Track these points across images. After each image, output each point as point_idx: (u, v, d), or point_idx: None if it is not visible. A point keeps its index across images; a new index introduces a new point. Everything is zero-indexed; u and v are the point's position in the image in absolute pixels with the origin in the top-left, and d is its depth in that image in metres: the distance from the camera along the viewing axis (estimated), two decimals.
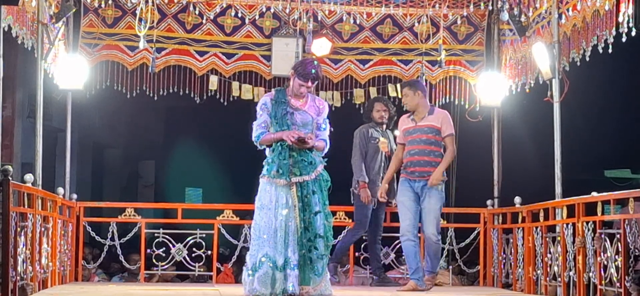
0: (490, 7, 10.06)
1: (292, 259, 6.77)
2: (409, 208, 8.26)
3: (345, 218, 9.65)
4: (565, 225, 7.79)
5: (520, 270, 8.94)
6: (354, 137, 9.31)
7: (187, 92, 10.02)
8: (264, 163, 6.98)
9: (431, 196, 8.20)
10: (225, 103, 10.07)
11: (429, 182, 8.17)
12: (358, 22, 10.10)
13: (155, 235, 9.78)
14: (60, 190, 9.04)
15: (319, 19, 10.05)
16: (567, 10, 8.37)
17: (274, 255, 6.76)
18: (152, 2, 9.72)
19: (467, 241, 9.98)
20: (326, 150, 7.05)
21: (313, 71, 6.95)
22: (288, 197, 6.81)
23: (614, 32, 7.41)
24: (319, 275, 6.86)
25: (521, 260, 8.90)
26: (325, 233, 6.87)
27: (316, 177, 6.90)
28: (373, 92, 10.11)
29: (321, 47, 9.97)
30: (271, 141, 6.94)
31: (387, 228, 9.67)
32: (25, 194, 7.23)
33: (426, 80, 10.00)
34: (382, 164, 9.23)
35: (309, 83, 6.98)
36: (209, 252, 9.67)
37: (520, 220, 8.98)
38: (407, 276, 8.76)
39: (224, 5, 9.97)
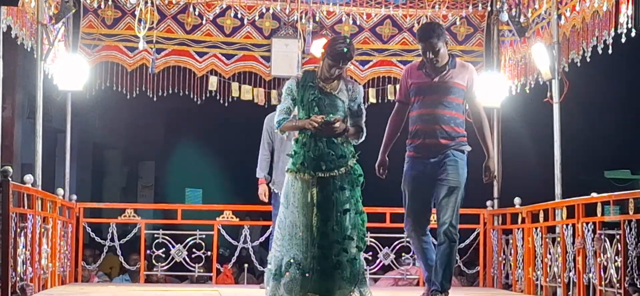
0: (489, 8, 10.07)
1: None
2: (422, 201, 6.40)
3: None
4: (565, 226, 7.80)
5: (520, 270, 8.94)
6: None
7: (186, 92, 10.02)
8: (288, 155, 6.34)
9: (451, 172, 6.28)
10: (225, 104, 10.06)
11: (487, 178, 6.44)
12: (357, 22, 10.10)
13: (155, 235, 9.79)
14: (60, 190, 9.04)
15: (318, 19, 10.05)
16: (566, 11, 8.38)
17: (301, 258, 6.04)
18: (152, 2, 9.73)
19: (467, 242, 9.97)
20: (362, 138, 6.27)
21: (345, 50, 6.16)
22: (312, 194, 6.08)
23: (613, 33, 7.41)
24: (349, 281, 6.06)
25: (521, 260, 8.91)
26: (358, 234, 6.08)
27: (347, 171, 6.12)
28: (372, 93, 10.11)
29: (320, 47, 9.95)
30: (292, 130, 6.26)
31: (388, 229, 9.66)
32: (25, 195, 7.23)
33: None
34: None
35: (340, 65, 6.19)
36: (209, 253, 9.67)
37: (520, 220, 8.98)
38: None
39: (224, 6, 9.97)
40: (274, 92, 9.92)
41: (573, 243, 7.60)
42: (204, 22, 9.96)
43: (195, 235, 9.69)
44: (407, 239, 6.76)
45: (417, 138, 6.36)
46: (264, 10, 10.01)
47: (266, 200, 8.50)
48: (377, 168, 6.48)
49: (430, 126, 6.30)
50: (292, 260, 6.07)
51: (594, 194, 7.27)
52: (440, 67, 6.32)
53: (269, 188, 8.53)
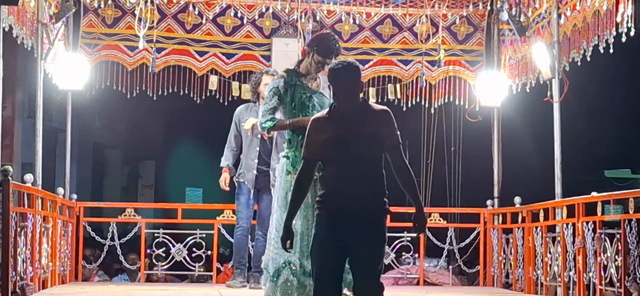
0: (489, 7, 10.06)
1: None
2: (333, 267, 4.98)
3: None
4: (565, 225, 7.80)
5: (520, 270, 8.94)
6: None
7: (186, 92, 10.02)
8: (282, 156, 6.27)
9: (370, 240, 4.99)
10: (225, 103, 10.05)
11: (415, 232, 5.22)
12: (358, 22, 10.10)
13: (155, 235, 9.78)
14: (60, 190, 9.04)
15: (319, 18, 10.04)
16: (567, 10, 8.38)
17: (298, 259, 6.05)
18: (152, 2, 9.73)
19: (467, 241, 9.98)
20: None
21: (337, 46, 6.19)
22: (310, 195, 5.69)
23: (614, 32, 7.41)
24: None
25: (521, 260, 8.91)
26: None
27: None
28: (372, 92, 10.10)
29: None
30: (284, 129, 6.23)
31: (388, 228, 9.62)
32: (25, 194, 7.23)
33: (426, 81, 10.02)
34: (259, 148, 8.28)
35: (329, 61, 6.10)
36: (209, 252, 9.66)
37: (520, 220, 8.98)
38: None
39: (224, 5, 9.97)
40: None
41: (573, 242, 7.60)
42: (204, 21, 9.96)
43: (196, 234, 9.69)
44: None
45: (332, 200, 4.97)
46: (264, 10, 10.01)
47: (227, 189, 8.59)
48: (283, 241, 5.08)
49: (348, 185, 4.94)
50: (285, 263, 6.10)
51: (594, 193, 7.27)
52: (355, 115, 4.98)
53: (232, 180, 8.57)
